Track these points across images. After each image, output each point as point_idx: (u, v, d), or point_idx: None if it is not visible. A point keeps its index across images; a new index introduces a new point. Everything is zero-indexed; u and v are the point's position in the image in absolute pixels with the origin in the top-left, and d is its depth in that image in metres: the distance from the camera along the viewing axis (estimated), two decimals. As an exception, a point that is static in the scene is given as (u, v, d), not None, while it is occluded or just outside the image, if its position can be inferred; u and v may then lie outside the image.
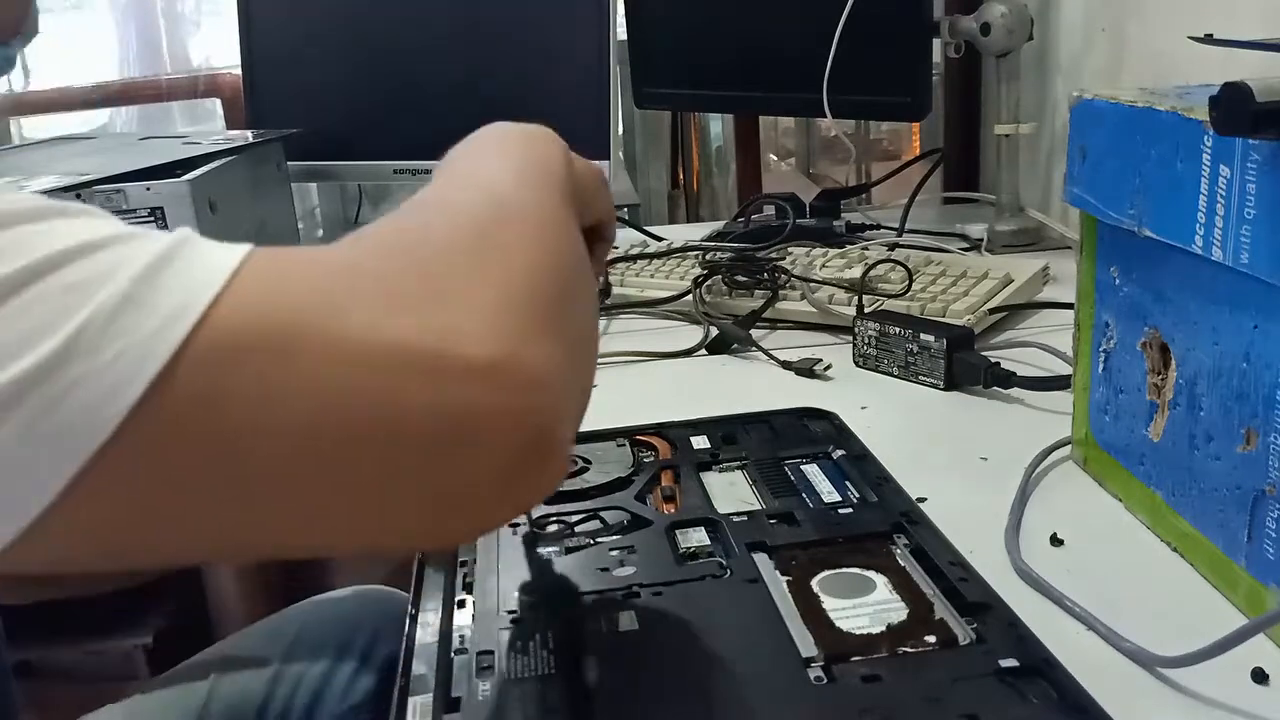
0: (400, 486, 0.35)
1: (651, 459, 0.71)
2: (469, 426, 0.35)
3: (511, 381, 0.35)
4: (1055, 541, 0.64)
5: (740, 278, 1.09)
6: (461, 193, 0.45)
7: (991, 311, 1.00)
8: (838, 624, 0.51)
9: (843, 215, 1.39)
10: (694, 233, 1.39)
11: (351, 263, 0.38)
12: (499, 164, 0.47)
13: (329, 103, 1.56)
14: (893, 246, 1.22)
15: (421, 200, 0.44)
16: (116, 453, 0.32)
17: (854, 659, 0.48)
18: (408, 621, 0.54)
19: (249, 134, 1.47)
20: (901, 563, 0.56)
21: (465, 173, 0.47)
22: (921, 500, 0.63)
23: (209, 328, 0.33)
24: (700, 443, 0.72)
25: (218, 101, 2.17)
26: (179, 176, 1.19)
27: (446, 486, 0.35)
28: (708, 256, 1.17)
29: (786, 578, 0.55)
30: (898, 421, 0.83)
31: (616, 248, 1.29)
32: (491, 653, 0.50)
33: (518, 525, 0.63)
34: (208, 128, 2.04)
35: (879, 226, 1.36)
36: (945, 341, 0.88)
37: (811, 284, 1.06)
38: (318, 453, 0.34)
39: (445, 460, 0.35)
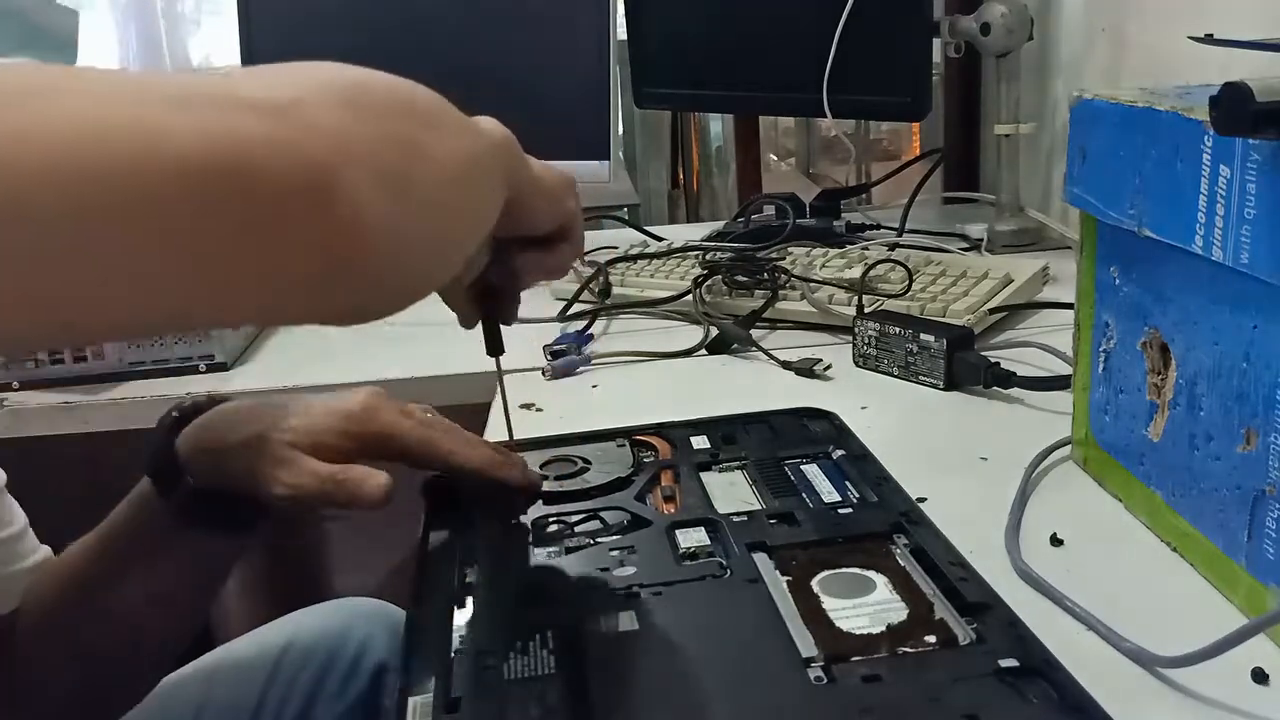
0: (176, 223, 0.32)
1: (651, 459, 0.70)
2: (237, 151, 0.32)
3: (291, 119, 0.34)
4: (1055, 541, 0.64)
5: (740, 278, 1.09)
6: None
7: (991, 311, 1.00)
8: (838, 624, 0.51)
9: (843, 215, 1.39)
10: (694, 233, 1.39)
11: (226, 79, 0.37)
12: None
13: (329, 103, 1.56)
14: (893, 246, 1.22)
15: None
16: None
17: (854, 659, 0.48)
18: (407, 621, 0.54)
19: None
20: (901, 563, 0.56)
21: None
22: (921, 500, 0.63)
23: None
24: (700, 443, 0.72)
25: (218, 101, 2.16)
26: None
27: (218, 223, 0.33)
28: (708, 256, 1.17)
29: (786, 578, 0.55)
30: (898, 421, 0.83)
31: (615, 248, 1.29)
32: (491, 653, 0.50)
33: (518, 525, 0.63)
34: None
35: (879, 226, 1.36)
36: (945, 341, 0.88)
37: (811, 284, 1.06)
38: (76, 178, 0.31)
39: (215, 187, 0.32)
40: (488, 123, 0.48)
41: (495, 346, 0.63)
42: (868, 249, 1.19)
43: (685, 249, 1.23)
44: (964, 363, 0.87)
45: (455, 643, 0.51)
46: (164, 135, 0.32)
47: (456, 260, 0.44)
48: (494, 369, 0.66)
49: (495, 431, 0.82)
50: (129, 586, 0.69)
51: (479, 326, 0.62)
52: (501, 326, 0.63)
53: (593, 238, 1.40)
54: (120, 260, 0.32)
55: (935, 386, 0.88)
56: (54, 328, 0.34)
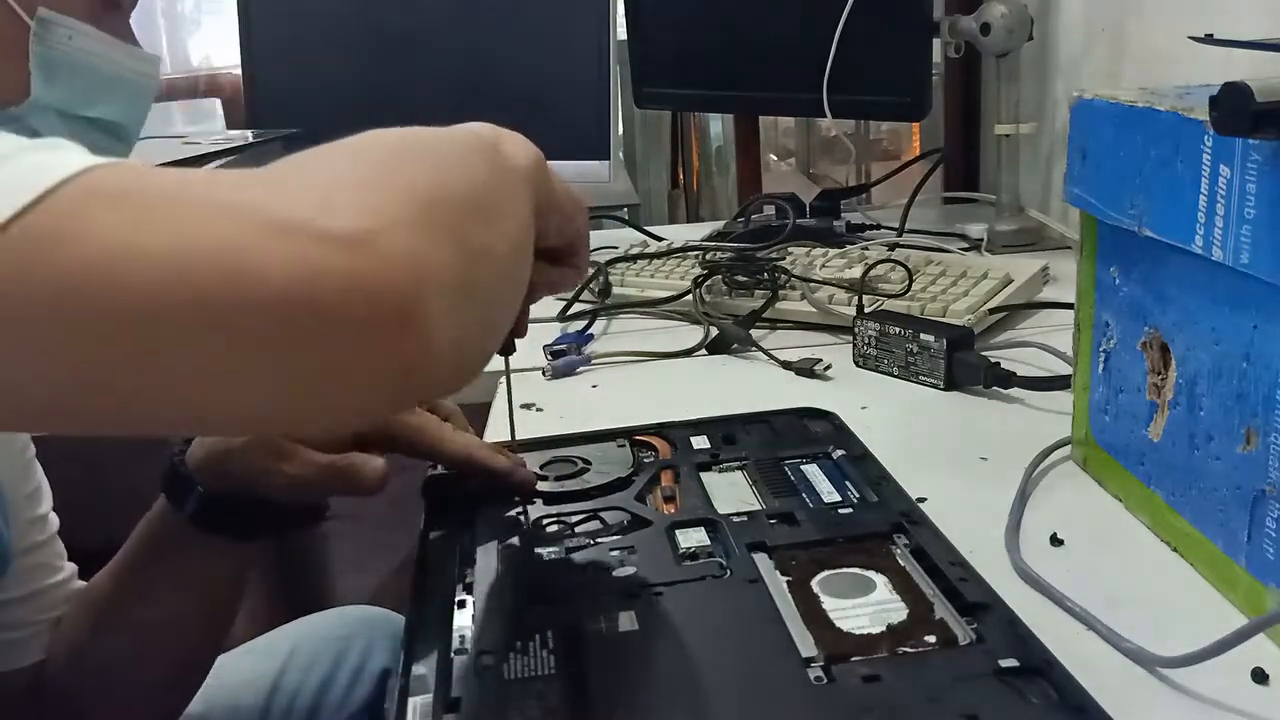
0: (254, 347, 0.34)
1: (651, 459, 0.70)
2: (320, 286, 0.34)
3: (372, 252, 0.35)
4: (1055, 541, 0.64)
5: (740, 278, 1.09)
6: (387, 133, 0.43)
7: (991, 311, 1.00)
8: (838, 624, 0.51)
9: (843, 215, 1.39)
10: (694, 233, 1.39)
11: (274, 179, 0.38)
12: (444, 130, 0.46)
13: (329, 102, 1.56)
14: (893, 246, 1.22)
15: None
16: None
17: (854, 659, 0.48)
18: (407, 622, 0.54)
19: (249, 134, 1.48)
20: (901, 563, 0.56)
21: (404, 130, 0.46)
22: (921, 500, 0.63)
23: (74, 184, 0.34)
24: (700, 443, 0.72)
25: (217, 101, 2.17)
26: (179, 176, 1.19)
27: (299, 351, 0.35)
28: (708, 256, 1.16)
29: (786, 578, 0.55)
30: (898, 421, 0.83)
31: (615, 248, 1.29)
32: (491, 653, 0.50)
33: (518, 526, 0.63)
34: (208, 128, 2.04)
35: (879, 226, 1.36)
36: (945, 341, 0.88)
37: (811, 284, 1.06)
38: (170, 299, 0.33)
39: (297, 320, 0.34)
40: (516, 147, 0.48)
41: (505, 345, 0.63)
42: (868, 249, 1.19)
43: (685, 249, 1.23)
44: (964, 363, 0.87)
45: (455, 643, 0.51)
46: (254, 266, 0.34)
47: (509, 327, 0.47)
48: (494, 369, 0.66)
49: (496, 431, 0.82)
50: (151, 606, 0.69)
51: None
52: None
53: (593, 238, 1.40)
54: (204, 375, 0.35)
55: (935, 386, 0.88)
56: (135, 426, 0.37)
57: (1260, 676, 0.50)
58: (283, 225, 0.35)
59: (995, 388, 0.86)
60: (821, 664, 0.47)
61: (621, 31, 1.51)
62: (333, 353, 0.35)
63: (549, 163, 0.52)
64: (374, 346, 0.36)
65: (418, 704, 0.47)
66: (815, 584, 0.54)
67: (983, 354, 0.88)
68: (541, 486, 0.67)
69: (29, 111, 0.63)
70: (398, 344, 0.36)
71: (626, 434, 0.74)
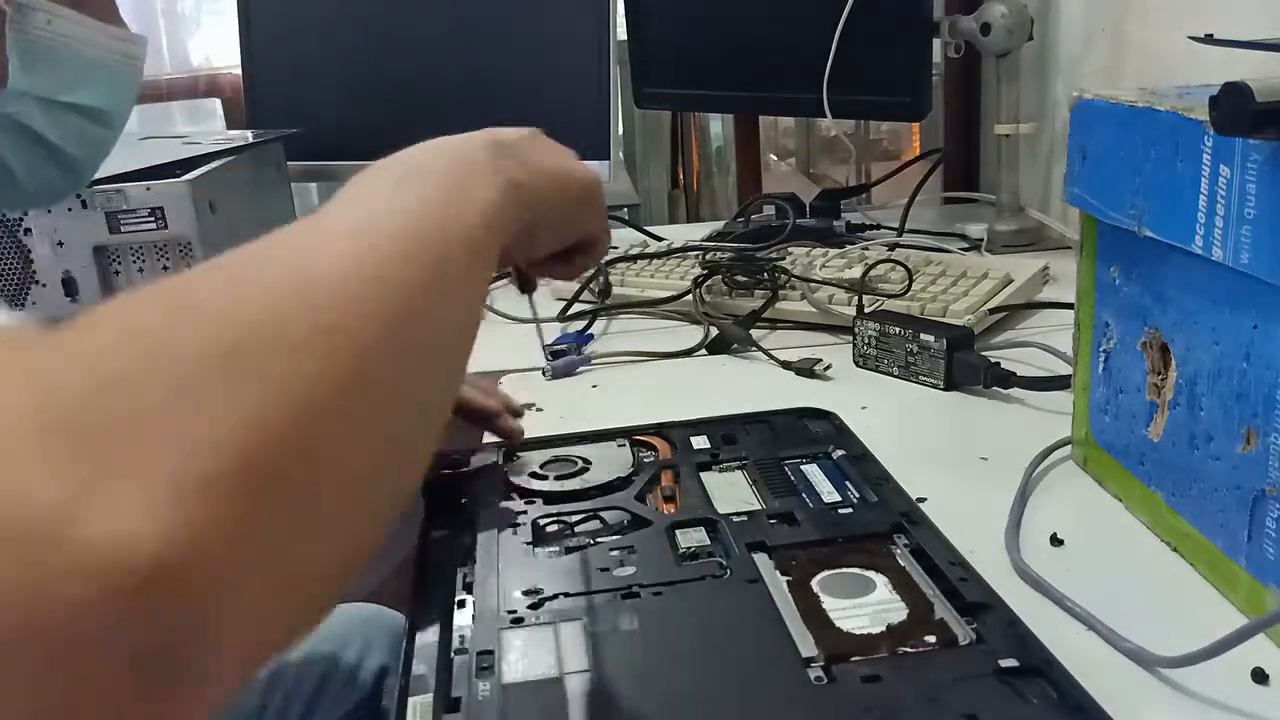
0: None
1: (651, 459, 0.71)
2: (62, 632, 0.24)
3: (135, 582, 0.24)
4: (1055, 541, 0.64)
5: (740, 278, 1.09)
6: (265, 270, 0.33)
7: (991, 311, 1.00)
8: (838, 624, 0.51)
9: (843, 215, 1.39)
10: (694, 233, 1.39)
11: (35, 374, 0.27)
12: (380, 209, 0.38)
13: (329, 103, 1.56)
14: (893, 246, 1.22)
15: (216, 272, 0.33)
16: None
17: (854, 659, 0.48)
18: (407, 622, 0.54)
19: (249, 134, 1.47)
20: (901, 563, 0.56)
21: (311, 228, 0.37)
22: (921, 500, 0.63)
23: None
24: (700, 443, 0.72)
25: (218, 101, 2.17)
26: (179, 176, 1.19)
27: (35, 697, 0.24)
28: (708, 256, 1.17)
29: (786, 578, 0.55)
30: (898, 421, 0.83)
31: (615, 248, 1.29)
32: (491, 653, 0.50)
33: (518, 525, 0.63)
34: (208, 128, 2.04)
35: (879, 226, 1.36)
36: (945, 341, 0.88)
37: (811, 284, 1.06)
38: None
39: (26, 665, 0.24)
40: (482, 185, 0.43)
41: (527, 283, 0.62)
42: (868, 249, 1.19)
43: (685, 249, 1.23)
44: (964, 363, 0.87)
45: (455, 643, 0.51)
46: None
47: (438, 436, 0.39)
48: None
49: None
50: None
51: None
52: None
53: (593, 238, 1.40)
54: None
55: (935, 386, 0.88)
56: None
57: (1260, 676, 0.50)
58: (23, 534, 0.24)
59: (995, 388, 0.86)
60: (821, 664, 0.47)
61: (621, 31, 1.51)
62: (66, 701, 0.25)
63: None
64: (131, 703, 0.25)
65: (418, 704, 0.47)
66: (815, 584, 0.54)
67: (983, 354, 0.88)
68: (541, 486, 0.67)
69: (6, 99, 0.61)
70: (160, 701, 0.26)
71: (626, 434, 0.74)
